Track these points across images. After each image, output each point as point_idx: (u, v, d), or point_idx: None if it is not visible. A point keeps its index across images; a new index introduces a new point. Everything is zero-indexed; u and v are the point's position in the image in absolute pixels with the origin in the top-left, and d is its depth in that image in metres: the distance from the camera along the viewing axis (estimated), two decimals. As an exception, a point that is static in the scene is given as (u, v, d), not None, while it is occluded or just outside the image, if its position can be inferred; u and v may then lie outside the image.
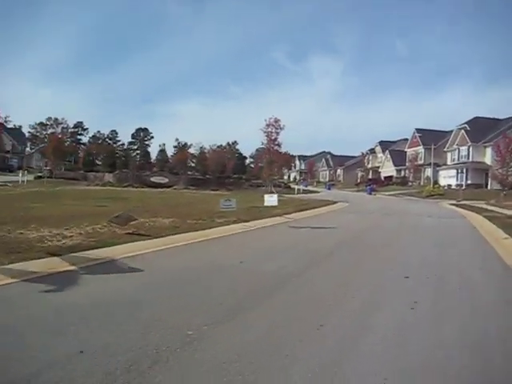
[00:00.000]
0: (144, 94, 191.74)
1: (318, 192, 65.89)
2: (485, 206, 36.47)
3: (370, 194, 64.66)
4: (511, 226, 17.97)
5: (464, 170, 64.93)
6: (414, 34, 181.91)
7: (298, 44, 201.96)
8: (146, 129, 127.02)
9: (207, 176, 63.65)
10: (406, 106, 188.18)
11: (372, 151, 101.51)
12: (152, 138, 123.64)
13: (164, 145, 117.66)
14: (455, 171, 68.35)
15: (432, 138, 72.60)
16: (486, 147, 65.22)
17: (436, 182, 68.10)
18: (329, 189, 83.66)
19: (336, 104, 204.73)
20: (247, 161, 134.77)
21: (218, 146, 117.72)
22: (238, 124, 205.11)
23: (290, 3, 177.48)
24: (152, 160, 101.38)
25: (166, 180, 59.86)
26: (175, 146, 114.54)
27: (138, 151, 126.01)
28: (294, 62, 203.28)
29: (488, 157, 64.37)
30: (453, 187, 65.95)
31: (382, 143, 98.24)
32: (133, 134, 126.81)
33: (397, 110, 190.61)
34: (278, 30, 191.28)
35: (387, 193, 67.15)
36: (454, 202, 44.04)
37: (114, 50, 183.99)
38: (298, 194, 56.29)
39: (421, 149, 79.80)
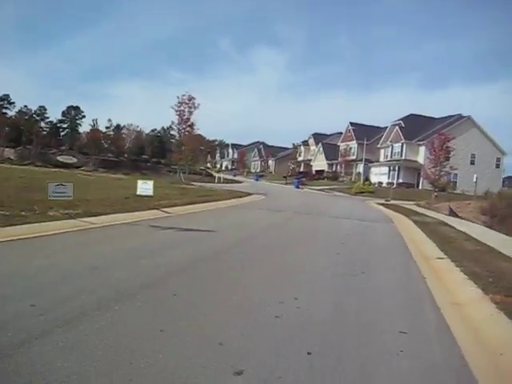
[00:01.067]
0: (83, 73, 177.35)
1: (242, 182, 60.69)
2: (415, 208, 32.48)
3: (298, 187, 60.21)
4: (443, 237, 13.53)
5: (396, 168, 61.81)
6: (359, 34, 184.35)
7: (244, 35, 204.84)
8: (77, 107, 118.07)
9: (121, 158, 56.98)
10: (346, 104, 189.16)
11: (305, 143, 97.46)
12: (84, 117, 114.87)
13: (96, 121, 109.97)
14: (387, 168, 65.20)
15: (366, 134, 69.01)
16: (419, 145, 62.32)
17: (367, 179, 64.65)
18: (256, 180, 78.86)
19: (277, 96, 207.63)
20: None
21: (152, 130, 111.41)
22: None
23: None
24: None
25: (75, 160, 53.05)
26: (107, 127, 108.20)
27: (68, 130, 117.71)
28: (239, 52, 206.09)
29: (421, 155, 61.50)
30: (384, 185, 62.73)
31: (315, 136, 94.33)
32: (63, 112, 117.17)
33: (336, 106, 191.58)
34: (227, 20, 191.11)
35: (316, 187, 63.01)
36: (383, 201, 40.07)
37: (53, 23, 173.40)
38: (217, 183, 50.96)
39: (354, 143, 76.40)
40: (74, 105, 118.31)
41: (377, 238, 14.13)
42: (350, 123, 78.31)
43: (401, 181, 61.26)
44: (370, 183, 61.82)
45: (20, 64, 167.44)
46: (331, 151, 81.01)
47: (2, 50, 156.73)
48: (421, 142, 61.74)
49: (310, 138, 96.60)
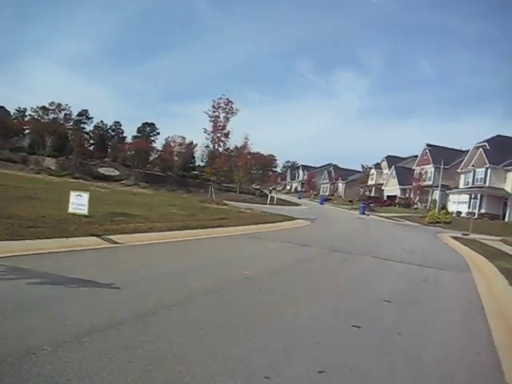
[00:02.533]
0: (167, 95, 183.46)
1: (300, 205, 55.25)
2: (502, 246, 25.75)
3: (363, 213, 53.91)
4: None
5: (478, 196, 53.94)
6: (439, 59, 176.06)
7: (323, 58, 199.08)
8: (152, 124, 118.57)
9: (168, 173, 53.28)
10: (424, 130, 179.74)
11: (377, 166, 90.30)
12: (158, 133, 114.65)
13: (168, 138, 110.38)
14: (468, 196, 57.34)
15: (445, 157, 61.35)
16: (507, 171, 54.26)
17: (443, 208, 57.10)
18: (321, 203, 73.15)
19: (354, 121, 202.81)
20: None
21: (206, 146, 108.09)
22: (253, 131, 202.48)
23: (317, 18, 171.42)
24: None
25: (117, 172, 50.12)
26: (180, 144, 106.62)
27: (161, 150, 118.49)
28: (319, 75, 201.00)
29: (509, 183, 53.49)
30: (463, 215, 55.00)
31: (389, 158, 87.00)
32: (139, 128, 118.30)
33: (414, 133, 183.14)
34: (306, 44, 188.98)
35: (385, 214, 56.42)
36: (460, 234, 33.29)
37: (139, 48, 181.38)
38: (269, 204, 45.86)
39: (430, 167, 68.75)
40: (150, 121, 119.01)
41: (434, 310, 8.29)
42: (427, 144, 70.84)
43: (483, 211, 53.35)
44: (447, 212, 54.35)
45: (110, 84, 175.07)
46: (405, 176, 73.26)
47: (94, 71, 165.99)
48: (509, 168, 53.68)
49: (382, 160, 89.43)
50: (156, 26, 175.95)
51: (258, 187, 58.16)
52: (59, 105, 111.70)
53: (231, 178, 52.86)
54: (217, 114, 31.23)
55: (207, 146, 34.12)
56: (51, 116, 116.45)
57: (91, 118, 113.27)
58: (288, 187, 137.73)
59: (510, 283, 11.61)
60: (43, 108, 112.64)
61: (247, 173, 56.61)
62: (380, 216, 53.55)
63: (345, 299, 7.93)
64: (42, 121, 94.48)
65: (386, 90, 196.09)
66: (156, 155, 62.78)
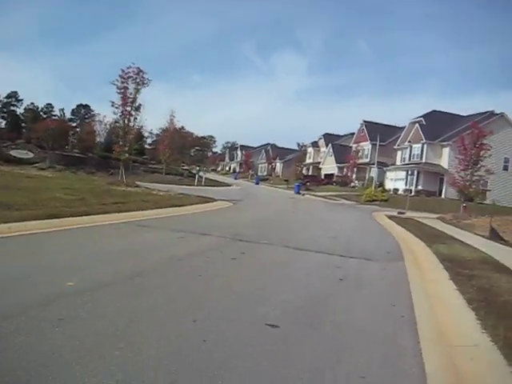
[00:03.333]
0: (105, 75, 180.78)
1: (231, 185, 51.99)
2: (439, 225, 23.57)
3: (298, 193, 51.40)
4: None
5: (415, 173, 52.42)
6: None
7: (264, 39, 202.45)
8: (87, 105, 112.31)
9: (90, 155, 48.59)
10: (362, 109, 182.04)
11: (315, 145, 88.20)
12: (93, 115, 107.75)
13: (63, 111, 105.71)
14: (404, 173, 55.86)
15: (382, 134, 59.52)
16: (443, 146, 53.07)
17: (381, 185, 55.43)
18: (257, 183, 70.36)
19: (294, 101, 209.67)
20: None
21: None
22: (196, 112, 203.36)
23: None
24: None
25: (31, 155, 44.97)
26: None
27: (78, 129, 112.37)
28: (260, 57, 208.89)
29: (445, 158, 52.28)
30: (400, 192, 53.51)
31: (326, 136, 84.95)
32: (73, 110, 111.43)
33: (352, 112, 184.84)
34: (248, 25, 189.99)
35: (321, 193, 54.13)
36: (396, 212, 31.07)
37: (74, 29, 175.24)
38: (197, 185, 42.33)
39: (367, 144, 67.13)
40: (84, 103, 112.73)
41: (340, 344, 5.14)
42: (364, 121, 69.14)
43: (420, 188, 52.02)
44: (384, 190, 52.64)
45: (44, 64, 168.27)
46: (342, 153, 71.27)
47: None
48: (445, 143, 52.54)
49: (320, 138, 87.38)
50: (95, 5, 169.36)
51: (186, 168, 54.23)
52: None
53: (158, 159, 48.67)
54: (126, 85, 27.13)
55: (116, 122, 29.60)
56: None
57: (21, 100, 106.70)
58: (227, 168, 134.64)
59: (447, 273, 8.83)
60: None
61: (175, 153, 52.74)
62: (315, 195, 51.17)
63: (200, 329, 4.64)
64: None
65: (325, 71, 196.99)
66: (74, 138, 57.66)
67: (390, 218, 26.40)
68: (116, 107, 27.15)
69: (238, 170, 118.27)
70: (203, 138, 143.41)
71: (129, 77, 27.09)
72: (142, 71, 27.21)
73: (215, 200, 24.91)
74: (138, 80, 27.24)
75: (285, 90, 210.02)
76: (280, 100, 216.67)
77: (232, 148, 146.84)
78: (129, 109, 27.41)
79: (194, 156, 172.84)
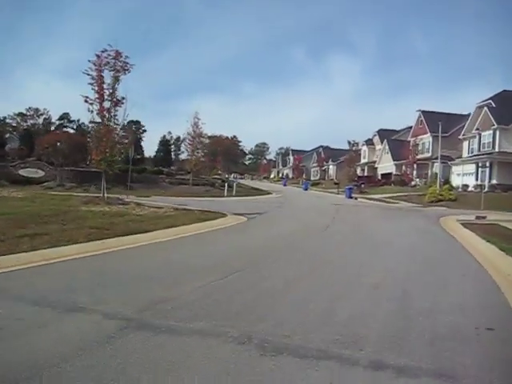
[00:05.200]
0: (160, 93, 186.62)
1: (270, 194, 45.61)
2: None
3: (350, 197, 44.50)
4: None
5: (487, 164, 44.29)
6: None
7: (315, 44, 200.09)
8: (138, 121, 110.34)
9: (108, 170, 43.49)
10: (424, 103, 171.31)
11: (369, 142, 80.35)
12: (145, 131, 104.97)
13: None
14: (474, 166, 47.71)
15: (443, 123, 50.89)
16: (520, 131, 44.66)
17: (446, 182, 47.52)
18: (305, 189, 63.77)
19: (348, 103, 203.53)
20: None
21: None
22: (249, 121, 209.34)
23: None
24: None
25: (41, 173, 40.60)
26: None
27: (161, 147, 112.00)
28: (312, 60, 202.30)
29: (523, 145, 43.91)
30: (470, 189, 45.48)
31: (381, 132, 76.96)
32: (124, 126, 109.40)
33: (414, 107, 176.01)
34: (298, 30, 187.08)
35: (377, 195, 47.00)
36: (471, 216, 23.82)
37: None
38: (227, 195, 36.42)
39: (428, 137, 59.07)
40: (135, 119, 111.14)
41: None
42: (422, 111, 61.10)
43: (495, 182, 43.86)
44: (451, 187, 44.73)
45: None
46: (400, 150, 62.96)
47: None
48: (522, 126, 44.11)
49: (374, 135, 79.55)
50: (146, 24, 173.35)
51: (218, 176, 48.49)
52: (37, 109, 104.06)
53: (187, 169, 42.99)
54: (101, 74, 21.21)
55: (92, 122, 23.84)
56: (29, 122, 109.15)
57: (73, 120, 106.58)
58: (280, 175, 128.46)
59: None
60: (20, 114, 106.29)
61: (208, 160, 47.23)
62: (370, 198, 44.08)
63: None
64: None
65: (380, 70, 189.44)
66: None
67: (466, 225, 19.32)
68: (90, 103, 21.33)
69: (290, 175, 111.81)
70: (235, 138, 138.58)
71: (105, 63, 21.25)
72: (121, 54, 21.28)
73: (224, 215, 18.95)
74: (116, 66, 21.35)
75: (338, 92, 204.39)
76: (334, 103, 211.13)
77: (285, 154, 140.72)
78: (107, 104, 21.56)
79: (249, 165, 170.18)
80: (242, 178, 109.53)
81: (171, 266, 8.99)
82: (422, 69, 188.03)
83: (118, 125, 22.56)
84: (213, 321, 5.51)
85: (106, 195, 22.60)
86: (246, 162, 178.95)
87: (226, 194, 37.10)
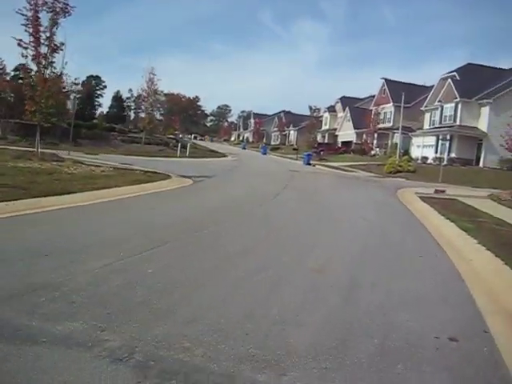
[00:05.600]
0: (123, 47, 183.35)
1: (226, 156, 43.96)
2: (500, 210, 15.51)
3: (309, 164, 43.35)
4: None
5: (448, 137, 43.73)
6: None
7: (284, 8, 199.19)
8: (97, 76, 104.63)
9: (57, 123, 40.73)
10: (390, 74, 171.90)
11: (331, 109, 79.07)
12: (105, 87, 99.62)
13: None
14: (435, 138, 47.13)
15: (406, 94, 49.66)
16: (481, 106, 44.12)
17: (406, 153, 46.88)
18: (264, 153, 62.14)
19: (315, 69, 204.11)
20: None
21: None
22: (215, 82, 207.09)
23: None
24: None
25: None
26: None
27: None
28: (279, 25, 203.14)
29: (484, 120, 43.51)
30: (429, 161, 45.06)
31: (344, 99, 75.65)
32: (82, 82, 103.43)
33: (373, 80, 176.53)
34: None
35: (336, 163, 45.99)
36: (429, 189, 22.97)
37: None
38: (180, 156, 34.60)
39: (390, 107, 58.21)
40: (94, 74, 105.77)
41: None
42: (385, 80, 60.04)
43: (454, 155, 43.42)
44: (410, 159, 44.13)
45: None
46: (362, 118, 61.89)
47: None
48: (484, 101, 43.57)
49: (337, 102, 78.29)
50: None
51: (173, 136, 46.32)
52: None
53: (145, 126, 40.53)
54: (38, 15, 18.68)
55: (25, 67, 21.40)
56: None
57: (30, 69, 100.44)
58: (241, 138, 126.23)
59: None
60: None
61: (169, 120, 45.03)
62: (328, 166, 43.04)
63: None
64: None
65: (347, 38, 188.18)
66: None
67: (424, 198, 18.31)
68: (25, 47, 18.87)
69: (251, 139, 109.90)
70: (196, 99, 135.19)
71: (43, 3, 18.75)
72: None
73: (168, 177, 17.40)
74: (55, 8, 18.90)
75: (305, 58, 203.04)
76: (300, 69, 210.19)
77: (247, 117, 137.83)
78: (44, 50, 19.14)
79: (210, 127, 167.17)
80: (202, 140, 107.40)
81: (78, 237, 7.35)
82: (389, 40, 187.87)
83: (54, 73, 20.10)
84: (94, 320, 4.00)
85: (39, 150, 20.45)
86: (208, 124, 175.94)
87: (178, 154, 35.22)
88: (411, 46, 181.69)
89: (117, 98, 67.49)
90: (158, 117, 43.95)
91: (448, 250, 8.93)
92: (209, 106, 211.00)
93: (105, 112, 65.63)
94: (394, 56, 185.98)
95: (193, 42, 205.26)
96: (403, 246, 9.09)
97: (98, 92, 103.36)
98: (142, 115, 39.47)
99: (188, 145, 37.69)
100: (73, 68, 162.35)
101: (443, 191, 20.18)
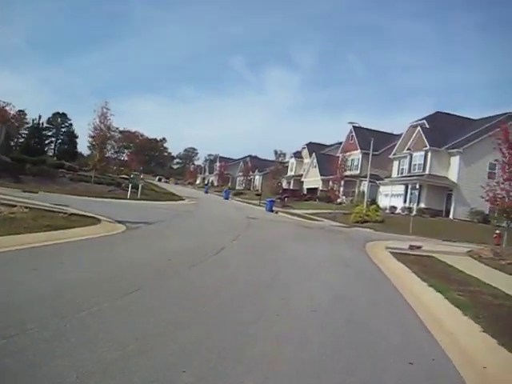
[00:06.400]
0: (97, 89, 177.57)
1: (183, 200, 40.81)
2: (485, 275, 12.70)
3: (271, 211, 40.54)
4: None
5: (417, 186, 41.73)
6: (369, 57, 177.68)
7: (256, 55, 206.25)
8: (64, 114, 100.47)
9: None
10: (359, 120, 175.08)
11: (297, 155, 77.21)
12: (71, 125, 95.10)
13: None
14: (403, 187, 45.20)
15: (375, 141, 47.59)
16: (451, 155, 42.56)
17: (374, 202, 44.57)
18: (226, 198, 59.22)
19: (284, 115, 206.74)
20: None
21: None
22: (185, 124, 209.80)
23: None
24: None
25: None
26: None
27: (53, 138, 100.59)
28: (251, 71, 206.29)
29: (454, 169, 41.95)
30: (398, 211, 42.84)
31: (310, 146, 74.00)
32: (48, 119, 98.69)
33: (342, 128, 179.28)
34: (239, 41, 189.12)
35: (300, 211, 43.31)
36: (397, 242, 20.26)
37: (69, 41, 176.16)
38: (130, 199, 31.27)
39: (357, 154, 56.51)
40: (61, 111, 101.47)
41: None
42: (353, 127, 58.24)
43: (423, 206, 41.38)
44: (378, 208, 41.78)
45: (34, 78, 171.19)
46: (328, 165, 59.32)
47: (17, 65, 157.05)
48: (454, 150, 42.07)
49: (303, 148, 76.56)
50: (90, 18, 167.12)
51: (126, 176, 43.04)
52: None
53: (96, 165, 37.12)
54: None
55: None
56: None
57: None
58: (206, 181, 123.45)
59: None
60: None
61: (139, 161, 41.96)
62: (292, 213, 40.30)
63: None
64: None
65: (317, 86, 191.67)
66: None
67: (399, 257, 15.44)
68: None
69: (216, 183, 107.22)
70: (155, 140, 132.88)
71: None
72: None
73: (97, 222, 14.26)
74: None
75: (275, 104, 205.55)
76: (270, 114, 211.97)
77: (213, 161, 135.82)
78: None
79: (177, 169, 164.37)
80: (166, 182, 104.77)
81: None
82: (358, 88, 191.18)
83: None
84: None
85: None
86: (174, 166, 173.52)
87: (129, 196, 31.88)
88: (379, 96, 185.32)
89: (69, 133, 63.90)
90: (113, 155, 40.29)
91: (447, 348, 5.93)
92: (176, 148, 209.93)
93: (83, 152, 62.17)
94: (362, 104, 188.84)
95: (165, 85, 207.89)
96: (380, 342, 6.01)
97: (63, 129, 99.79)
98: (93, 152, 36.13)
99: (140, 186, 34.35)
100: (41, 103, 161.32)
101: (419, 247, 17.37)
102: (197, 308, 6.46)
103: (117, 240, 12.73)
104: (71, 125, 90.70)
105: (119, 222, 16.18)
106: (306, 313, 6.93)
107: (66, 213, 15.54)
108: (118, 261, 9.28)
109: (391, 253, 16.41)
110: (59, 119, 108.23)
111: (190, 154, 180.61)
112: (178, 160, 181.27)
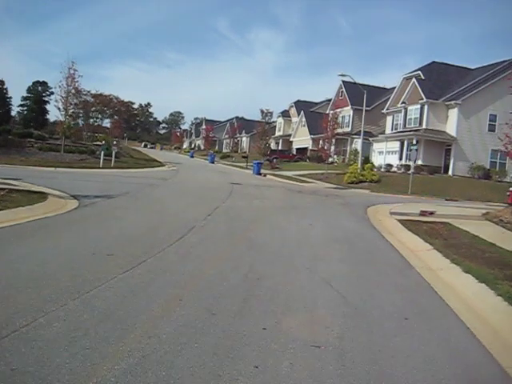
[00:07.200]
0: (77, 55, 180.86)
1: (163, 166, 37.80)
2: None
3: (259, 174, 37.79)
4: None
5: (414, 142, 38.96)
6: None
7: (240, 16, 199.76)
8: (44, 82, 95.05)
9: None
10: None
11: (285, 114, 73.81)
12: (52, 93, 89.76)
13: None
14: (399, 143, 42.48)
15: (367, 97, 44.36)
16: (449, 107, 39.65)
17: (367, 160, 41.78)
18: (211, 161, 56.21)
19: (271, 76, 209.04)
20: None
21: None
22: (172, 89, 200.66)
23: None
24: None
25: None
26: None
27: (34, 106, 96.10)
28: (235, 33, 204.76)
29: (452, 123, 39.09)
30: (394, 169, 40.22)
31: (298, 104, 70.54)
32: (29, 88, 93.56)
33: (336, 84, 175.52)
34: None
35: (290, 172, 40.59)
36: (401, 205, 17.63)
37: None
38: (102, 167, 28.39)
39: (348, 110, 53.40)
40: (41, 80, 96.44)
41: None
42: (343, 82, 54.92)
43: (420, 162, 38.66)
44: (373, 166, 39.11)
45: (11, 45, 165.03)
46: (318, 123, 55.70)
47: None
48: (452, 102, 39.07)
49: (291, 106, 73.13)
50: None
51: (99, 143, 39.75)
52: None
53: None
54: None
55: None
56: None
57: None
58: (192, 145, 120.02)
59: None
60: None
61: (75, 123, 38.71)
62: (281, 176, 37.57)
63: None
64: None
65: (303, 45, 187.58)
66: None
67: (411, 226, 12.75)
68: None
69: (202, 147, 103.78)
70: (130, 103, 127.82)
71: None
72: None
73: (43, 199, 11.57)
74: None
75: (260, 65, 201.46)
76: (256, 75, 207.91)
77: (200, 124, 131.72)
78: None
79: (163, 134, 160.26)
80: (152, 148, 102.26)
81: None
82: (344, 46, 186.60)
83: None
84: None
85: None
86: (161, 132, 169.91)
87: (101, 164, 28.89)
88: (366, 53, 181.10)
89: (37, 100, 59.86)
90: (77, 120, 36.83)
91: None
92: (162, 113, 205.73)
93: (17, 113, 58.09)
94: (349, 61, 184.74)
95: (148, 49, 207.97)
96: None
97: (45, 99, 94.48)
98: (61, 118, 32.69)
99: (113, 153, 31.29)
100: (21, 71, 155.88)
101: (432, 213, 14.68)
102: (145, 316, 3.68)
103: (55, 224, 9.83)
104: (52, 93, 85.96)
105: (74, 196, 13.40)
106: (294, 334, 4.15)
107: (3, 189, 12.65)
108: (19, 267, 6.30)
109: (399, 220, 13.74)
110: (39, 88, 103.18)
111: (176, 119, 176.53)
112: (164, 125, 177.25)
